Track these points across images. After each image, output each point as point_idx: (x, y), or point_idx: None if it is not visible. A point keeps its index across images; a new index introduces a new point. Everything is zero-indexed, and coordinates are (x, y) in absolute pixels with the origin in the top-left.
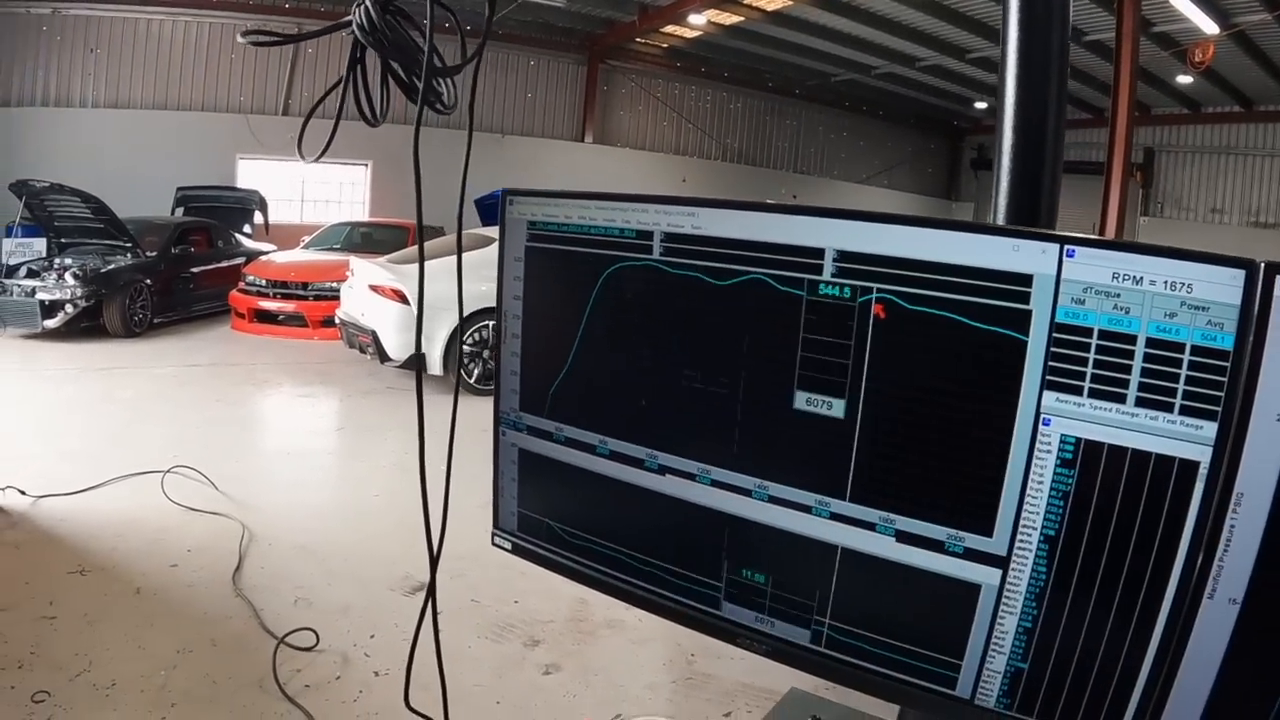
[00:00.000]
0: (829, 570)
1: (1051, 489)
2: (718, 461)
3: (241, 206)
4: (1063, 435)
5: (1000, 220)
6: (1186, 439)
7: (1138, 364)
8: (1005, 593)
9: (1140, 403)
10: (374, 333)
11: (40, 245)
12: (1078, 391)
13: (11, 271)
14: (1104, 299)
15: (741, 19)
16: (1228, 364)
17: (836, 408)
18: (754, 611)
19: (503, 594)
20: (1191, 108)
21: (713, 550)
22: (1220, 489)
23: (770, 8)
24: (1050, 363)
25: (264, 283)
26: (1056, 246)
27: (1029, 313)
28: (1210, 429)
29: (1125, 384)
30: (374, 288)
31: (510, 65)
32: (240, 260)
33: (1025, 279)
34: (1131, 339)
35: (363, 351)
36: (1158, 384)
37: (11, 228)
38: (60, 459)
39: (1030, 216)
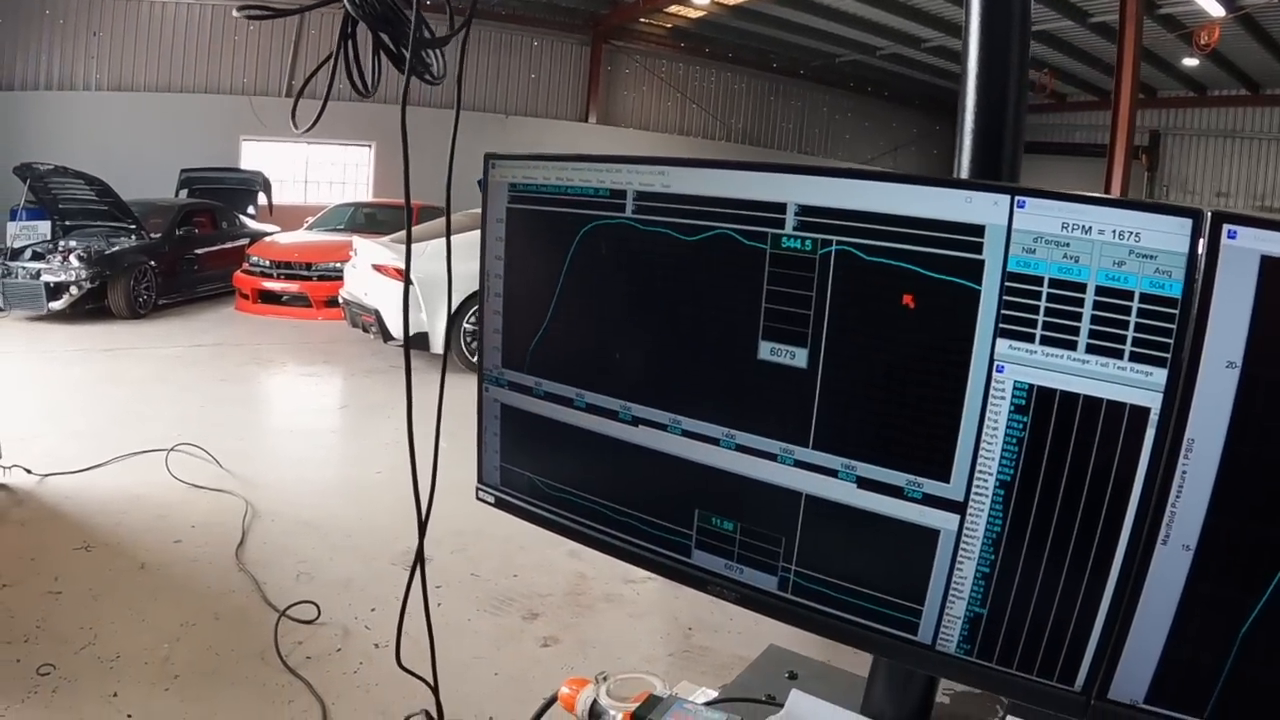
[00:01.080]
0: (794, 517)
1: (1006, 435)
2: (687, 412)
3: (245, 188)
4: (1015, 382)
5: (964, 175)
6: (1137, 385)
7: (1088, 311)
8: (963, 538)
9: (1091, 349)
10: (377, 312)
11: (45, 228)
12: (1030, 339)
13: (17, 254)
14: (1054, 248)
15: None
16: (1176, 311)
17: (799, 357)
18: (723, 559)
19: (502, 568)
20: (1197, 91)
21: (683, 499)
22: (1171, 435)
23: None
24: (1003, 311)
25: (268, 263)
26: (1008, 198)
27: (982, 262)
28: (1160, 375)
29: (1076, 331)
30: (377, 267)
31: (514, 46)
32: (244, 241)
33: (978, 229)
34: (1081, 287)
35: (366, 331)
36: (1108, 331)
37: (16, 210)
38: (66, 438)
39: (993, 173)
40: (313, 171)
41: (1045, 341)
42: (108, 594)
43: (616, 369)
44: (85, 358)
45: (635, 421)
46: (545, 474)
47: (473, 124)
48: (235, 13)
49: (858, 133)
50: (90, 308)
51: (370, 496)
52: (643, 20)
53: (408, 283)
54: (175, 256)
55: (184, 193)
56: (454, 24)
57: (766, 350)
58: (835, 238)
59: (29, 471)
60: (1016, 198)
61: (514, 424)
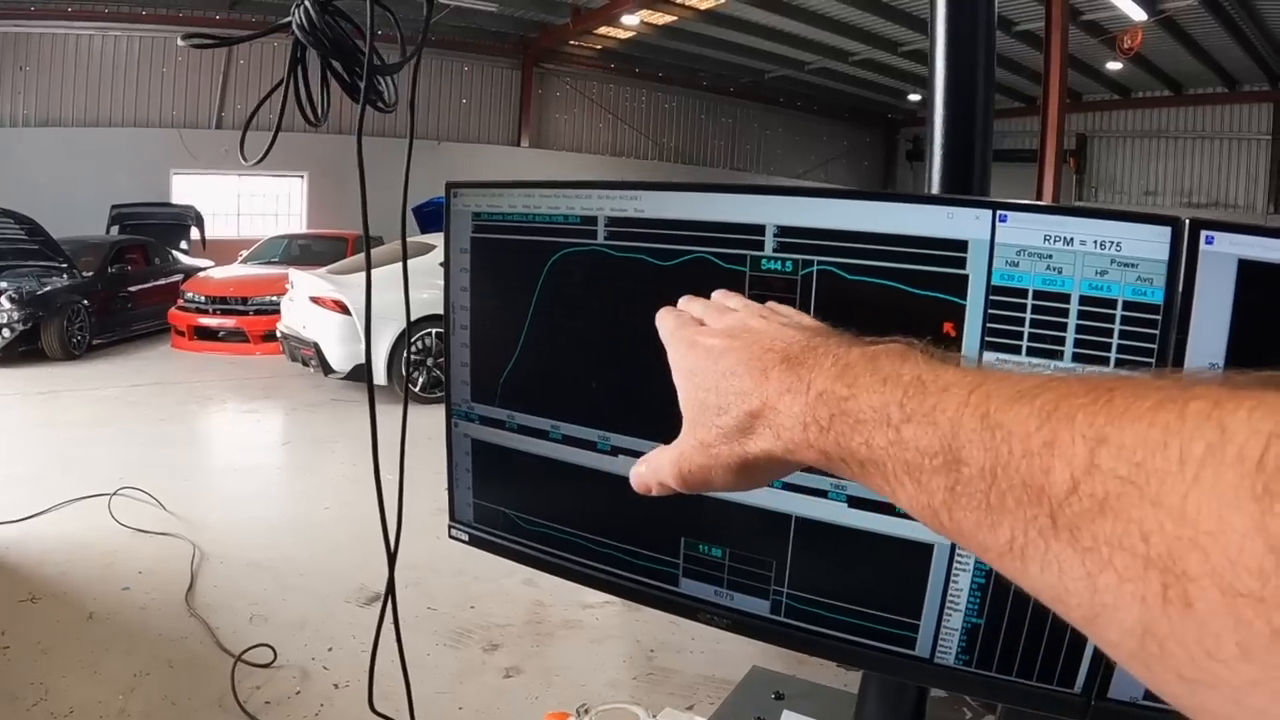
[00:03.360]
0: (784, 540)
1: None
2: (669, 439)
3: (177, 223)
4: None
5: (936, 191)
6: None
7: (1072, 321)
8: (957, 551)
9: (1077, 358)
10: (316, 345)
11: None
12: (1016, 350)
13: None
14: (1037, 260)
15: (674, 18)
16: (1159, 317)
17: None
18: (713, 586)
19: (459, 600)
20: (1122, 94)
21: (668, 528)
22: None
23: (703, 6)
24: (989, 324)
25: (203, 299)
26: (990, 212)
27: (966, 277)
28: None
29: (1062, 340)
30: (315, 299)
31: (444, 71)
32: (178, 277)
33: (961, 245)
34: (1065, 297)
35: (305, 364)
36: (1093, 339)
37: None
38: (3, 486)
39: (963, 188)
40: (245, 204)
41: (1032, 353)
42: (57, 646)
43: (593, 399)
44: (20, 401)
45: (615, 451)
46: (522, 509)
47: (402, 151)
48: (181, 41)
49: (789, 148)
50: (23, 350)
51: (320, 533)
52: (573, 43)
53: (369, 313)
54: (109, 295)
55: (115, 229)
56: (404, 49)
57: None
58: (816, 258)
59: None
60: (999, 212)
61: (487, 458)
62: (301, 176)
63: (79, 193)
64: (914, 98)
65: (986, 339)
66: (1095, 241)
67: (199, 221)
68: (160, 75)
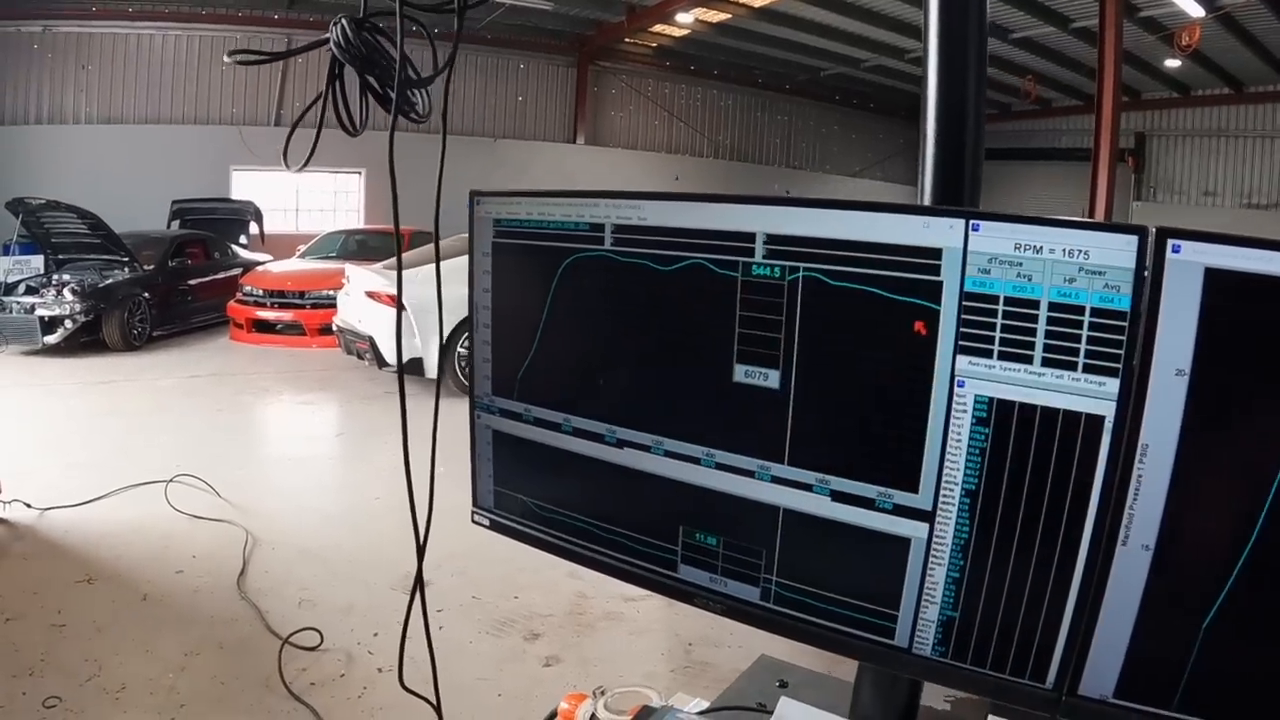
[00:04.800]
0: (773, 530)
1: (969, 446)
2: (669, 433)
3: (237, 218)
4: (976, 396)
5: (927, 201)
6: (1091, 395)
7: (1042, 327)
8: (933, 545)
9: (1046, 363)
10: (371, 338)
11: (38, 262)
12: (988, 355)
13: (10, 289)
14: (1008, 268)
15: (729, 16)
16: (1125, 324)
17: (772, 378)
18: (708, 572)
19: (503, 590)
20: (1181, 91)
21: (669, 516)
22: (1126, 441)
23: (757, 4)
24: (962, 329)
25: (261, 293)
26: (963, 222)
27: (940, 283)
28: (1113, 385)
29: (1031, 346)
30: (370, 294)
31: (500, 69)
32: (237, 271)
33: (936, 253)
34: (1035, 304)
35: (360, 358)
36: (1061, 345)
37: (9, 246)
38: (65, 472)
39: (954, 196)
40: (303, 200)
41: (1003, 356)
42: (111, 626)
43: (601, 394)
44: (82, 391)
45: (620, 444)
46: (537, 496)
47: (462, 148)
48: (226, 59)
49: (845, 145)
50: (85, 341)
51: (370, 522)
52: (628, 40)
53: (400, 309)
54: (169, 288)
55: (176, 224)
56: (439, 60)
57: (741, 373)
58: (802, 264)
59: (29, 506)
60: (971, 221)
61: (505, 449)
62: (359, 173)
63: (141, 188)
64: None
65: (960, 343)
66: (1064, 250)
67: (258, 217)
68: (220, 73)
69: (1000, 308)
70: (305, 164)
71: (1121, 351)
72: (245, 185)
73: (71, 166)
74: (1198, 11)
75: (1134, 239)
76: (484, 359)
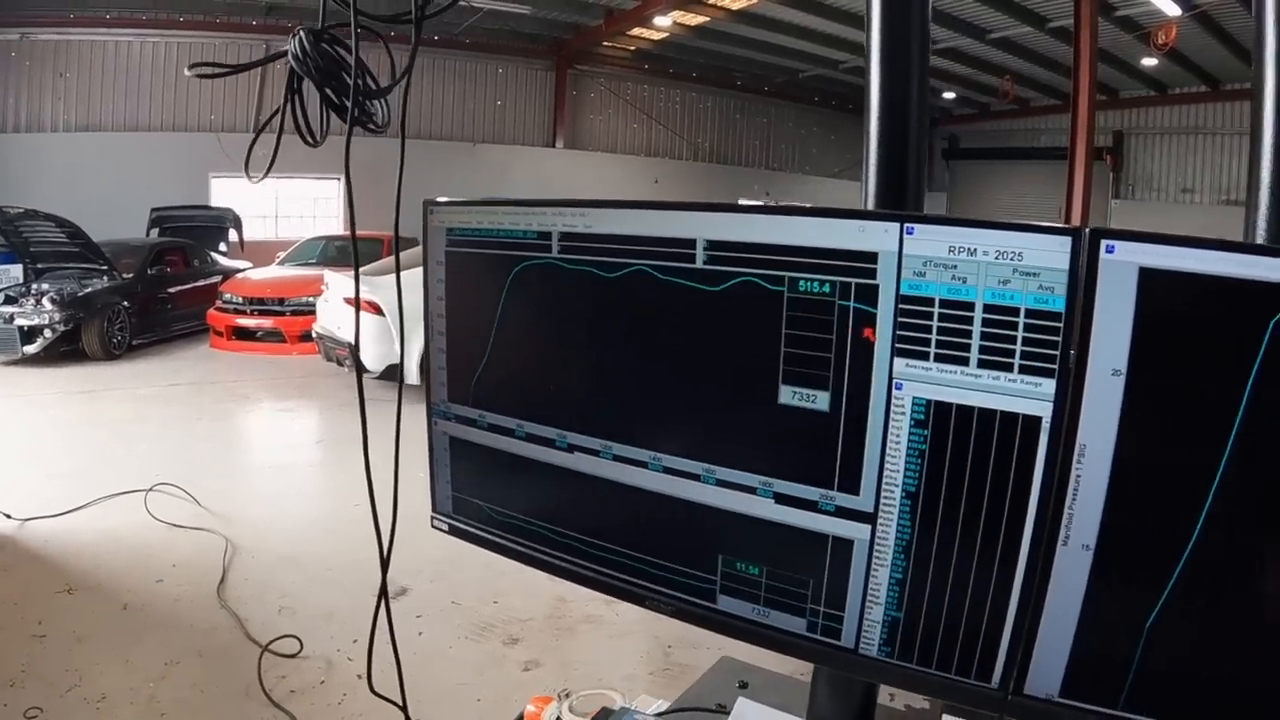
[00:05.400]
0: (715, 530)
1: (908, 448)
2: (616, 436)
3: (216, 225)
4: (914, 398)
5: (871, 204)
6: (1028, 396)
7: (977, 329)
8: (875, 547)
9: (982, 364)
10: (351, 345)
11: (17, 271)
12: (925, 357)
13: None
14: (943, 270)
15: (707, 19)
16: (1061, 325)
17: (714, 381)
18: (652, 583)
19: (483, 594)
20: (1159, 90)
21: (612, 518)
22: (1064, 442)
23: (735, 6)
24: (899, 331)
25: (241, 300)
26: (897, 225)
27: (876, 287)
28: (1050, 386)
29: (967, 348)
30: (349, 300)
31: (479, 74)
32: (217, 279)
33: (871, 256)
34: (970, 306)
35: (340, 364)
36: (997, 346)
37: None
38: (45, 482)
39: (897, 199)
40: (283, 206)
41: (940, 359)
42: (92, 636)
43: (551, 400)
44: (62, 400)
45: (571, 449)
46: (493, 500)
47: (441, 153)
48: (187, 72)
49: (824, 146)
50: (65, 350)
51: (349, 529)
52: (606, 44)
53: (358, 311)
54: (148, 296)
55: (155, 232)
56: (397, 70)
57: (685, 375)
58: (741, 270)
59: (9, 516)
60: (905, 225)
61: (462, 454)
62: (338, 179)
63: (119, 196)
64: (949, 95)
65: (897, 345)
66: (997, 252)
67: (237, 224)
68: (199, 80)
69: (936, 310)
70: (265, 174)
71: (1057, 352)
72: (224, 192)
73: (50, 175)
74: (1174, 10)
75: (1067, 240)
76: (439, 366)
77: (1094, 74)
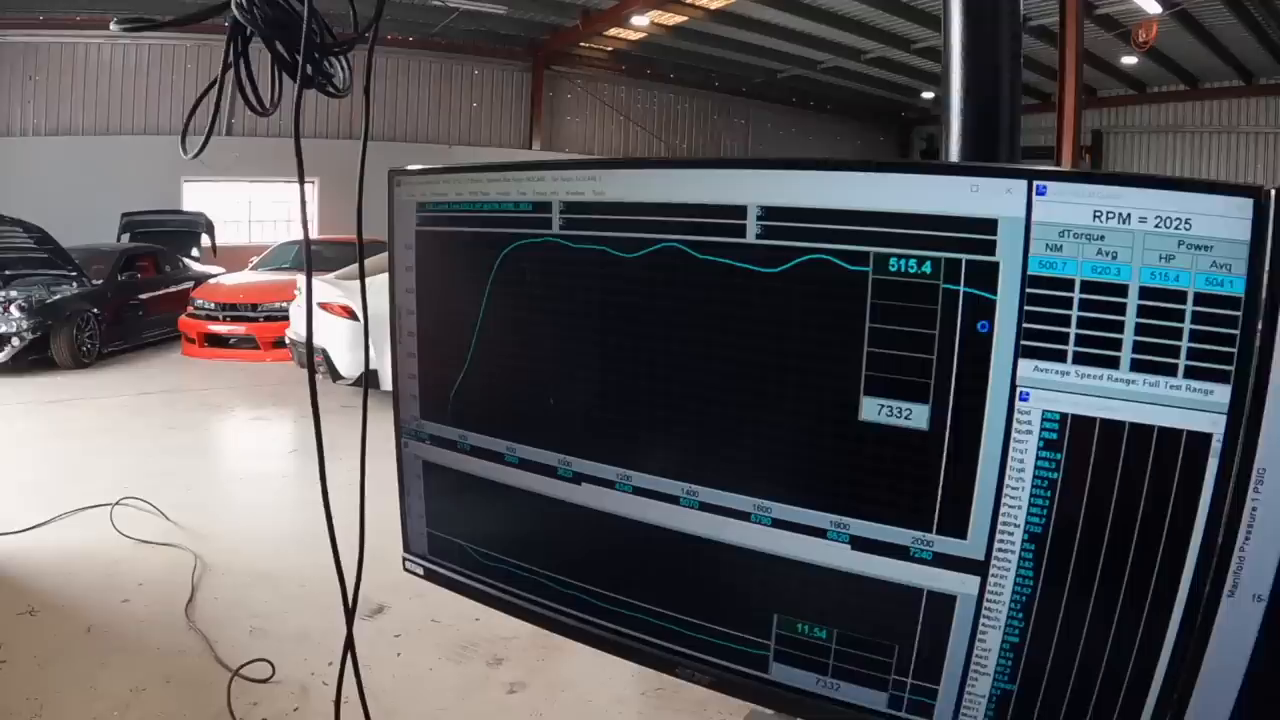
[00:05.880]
0: (770, 583)
1: (1035, 477)
2: (637, 464)
3: (188, 230)
4: (1045, 411)
5: (954, 156)
6: (1195, 407)
7: (1130, 320)
8: (986, 603)
9: (1136, 366)
10: (324, 351)
11: None
12: (1060, 358)
13: None
14: (1085, 243)
15: (685, 19)
16: (1239, 313)
17: (770, 392)
18: (685, 647)
19: (463, 611)
20: (1137, 89)
21: (632, 567)
22: (1238, 465)
23: (713, 6)
24: (1025, 324)
25: (213, 306)
26: (1024, 183)
27: (996, 265)
28: (1223, 393)
29: (1117, 345)
30: (322, 305)
31: (455, 75)
32: (189, 285)
33: (989, 224)
34: (1122, 290)
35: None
36: (1156, 343)
37: None
38: (8, 496)
39: (988, 148)
40: (256, 211)
41: (1080, 360)
42: (55, 661)
43: (551, 416)
44: (28, 411)
45: (578, 479)
46: (479, 541)
47: (416, 155)
48: (113, 26)
49: (802, 147)
50: (33, 359)
51: (325, 543)
52: (584, 45)
53: (309, 310)
54: (119, 303)
55: (126, 237)
56: (358, 25)
57: (733, 385)
58: (808, 244)
59: None
60: (1035, 182)
61: (440, 484)
62: (313, 182)
63: (90, 201)
64: (928, 95)
65: (1023, 343)
66: (1158, 218)
67: (209, 228)
68: (170, 83)
69: (1076, 296)
70: (200, 149)
71: (1234, 350)
72: (197, 197)
73: (18, 179)
74: (1155, 8)
75: (1248, 203)
76: (409, 375)
77: (1080, 73)
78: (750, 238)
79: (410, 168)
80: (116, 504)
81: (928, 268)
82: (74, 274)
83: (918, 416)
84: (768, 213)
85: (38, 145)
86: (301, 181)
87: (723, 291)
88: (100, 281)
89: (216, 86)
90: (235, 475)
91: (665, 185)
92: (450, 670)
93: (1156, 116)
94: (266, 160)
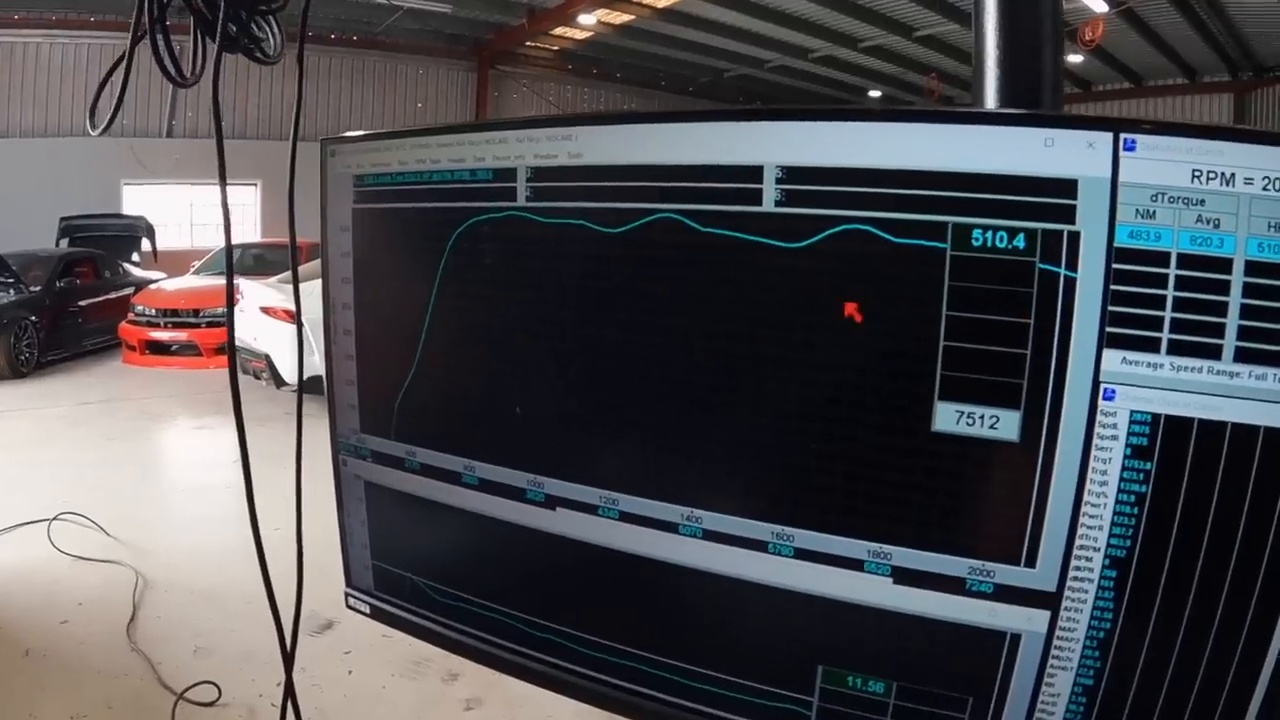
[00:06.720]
0: (805, 628)
1: (1120, 490)
2: (623, 485)
3: (129, 234)
4: (1133, 412)
5: (990, 105)
6: None
7: (1235, 300)
8: (1056, 642)
9: (1243, 356)
10: (268, 357)
11: None
12: (1152, 347)
13: None
14: (1183, 209)
15: (632, 17)
16: None
17: (797, 398)
18: (697, 703)
19: None
20: (1083, 87)
21: (622, 608)
22: None
23: (660, 4)
24: (1111, 307)
25: (154, 312)
26: (1109, 135)
27: (1076, 236)
28: None
29: (1219, 331)
30: (266, 310)
31: (398, 74)
32: (129, 290)
33: (1067, 186)
34: (1225, 264)
35: (257, 377)
36: (1265, 328)
37: None
38: None
39: (1030, 94)
40: (197, 214)
41: (1176, 350)
42: None
43: (518, 429)
44: None
45: (550, 502)
46: (432, 575)
47: None
48: None
49: None
50: None
51: (270, 557)
52: (529, 44)
53: (230, 311)
54: (58, 310)
55: (65, 242)
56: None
57: (746, 389)
58: (841, 212)
59: None
60: (1122, 135)
61: (385, 508)
62: (255, 185)
63: (27, 205)
64: (874, 94)
65: (1108, 329)
66: (1266, 179)
67: (150, 232)
68: (110, 84)
69: (1172, 272)
70: (107, 127)
71: None
72: (137, 200)
73: None
74: (1101, 7)
75: None
76: (346, 381)
77: None
78: (768, 205)
79: (347, 134)
80: (54, 519)
81: (1021, 241)
82: (10, 281)
83: (1006, 425)
84: (789, 174)
85: None
86: (221, 154)
87: (732, 272)
88: (38, 288)
89: (126, 56)
90: (177, 487)
91: (659, 144)
92: (404, 687)
93: (1102, 113)
94: (208, 162)
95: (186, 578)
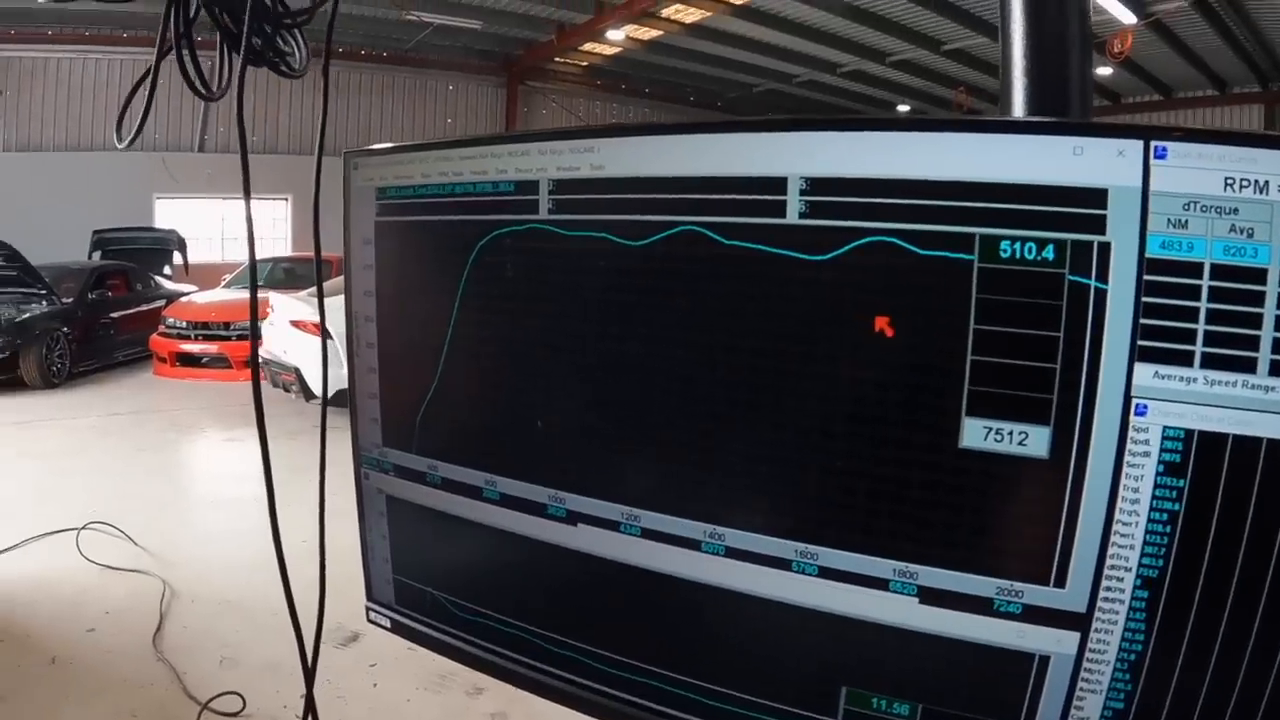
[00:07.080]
0: (829, 648)
1: (1153, 509)
2: (645, 501)
3: (160, 247)
4: (1166, 428)
5: (1018, 112)
6: None
7: (1270, 312)
8: (1085, 664)
9: (1278, 370)
10: (297, 370)
11: None
12: (1185, 360)
13: None
14: (1216, 219)
15: (660, 33)
16: None
17: (821, 415)
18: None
19: None
20: (1112, 99)
21: (642, 626)
22: None
23: (688, 20)
24: (1143, 320)
25: (185, 325)
26: (1139, 143)
27: (1107, 247)
28: None
29: (1255, 344)
30: (295, 323)
31: (428, 90)
32: (160, 303)
33: (1097, 196)
34: (1259, 275)
35: (287, 390)
36: None
37: None
38: None
39: (1058, 99)
40: (229, 228)
41: (1210, 363)
42: (16, 694)
43: (539, 444)
44: None
45: (573, 519)
46: (453, 590)
47: None
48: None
49: None
50: (2, 379)
51: (296, 568)
52: (558, 60)
53: (254, 325)
54: (89, 321)
55: (97, 255)
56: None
57: (769, 405)
58: (867, 224)
59: None
60: (1153, 142)
61: (406, 522)
62: (286, 199)
63: (60, 218)
64: (903, 108)
65: (1140, 343)
66: None
67: (181, 246)
68: (142, 99)
69: (1205, 284)
70: (133, 141)
71: None
72: (169, 213)
73: None
74: (1129, 18)
75: None
76: (369, 394)
77: None
78: (791, 217)
79: (370, 147)
80: (83, 528)
81: (1050, 253)
82: (44, 292)
83: (1036, 442)
84: (813, 185)
85: (7, 161)
86: (245, 168)
87: (755, 285)
88: (70, 300)
89: (152, 71)
90: (206, 499)
91: (681, 155)
92: (429, 701)
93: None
94: (239, 177)
95: (213, 589)
